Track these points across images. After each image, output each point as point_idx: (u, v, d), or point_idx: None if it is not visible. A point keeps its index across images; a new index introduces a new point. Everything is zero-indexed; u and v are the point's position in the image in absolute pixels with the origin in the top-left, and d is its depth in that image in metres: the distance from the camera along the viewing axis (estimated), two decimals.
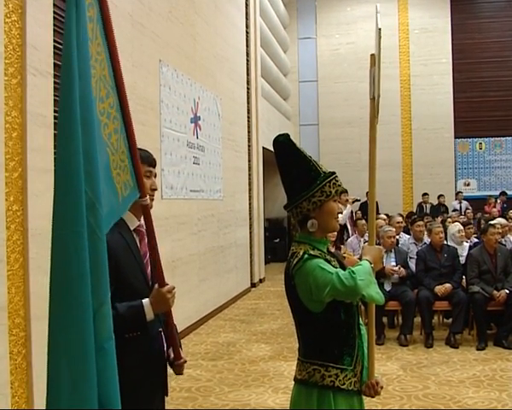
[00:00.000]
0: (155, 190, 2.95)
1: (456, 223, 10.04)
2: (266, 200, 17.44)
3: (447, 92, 20.16)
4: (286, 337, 8.69)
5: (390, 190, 18.99)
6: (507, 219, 11.34)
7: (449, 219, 11.88)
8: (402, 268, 8.36)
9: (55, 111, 5.53)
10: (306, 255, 2.68)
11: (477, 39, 20.35)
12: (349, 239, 10.78)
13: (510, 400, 5.92)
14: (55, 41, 5.56)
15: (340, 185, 2.83)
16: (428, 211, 16.90)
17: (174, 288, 2.80)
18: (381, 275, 8.27)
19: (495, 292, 7.88)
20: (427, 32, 20.24)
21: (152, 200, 2.90)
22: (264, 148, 14.91)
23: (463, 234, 9.36)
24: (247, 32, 13.97)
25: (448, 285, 8.13)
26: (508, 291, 7.87)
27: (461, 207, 17.57)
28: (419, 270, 8.46)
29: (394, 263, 8.47)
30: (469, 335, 8.33)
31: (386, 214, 12.97)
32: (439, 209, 17.17)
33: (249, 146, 13.88)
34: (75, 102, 2.29)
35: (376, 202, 12.82)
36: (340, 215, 10.44)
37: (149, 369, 2.77)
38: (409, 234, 10.22)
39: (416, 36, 20.33)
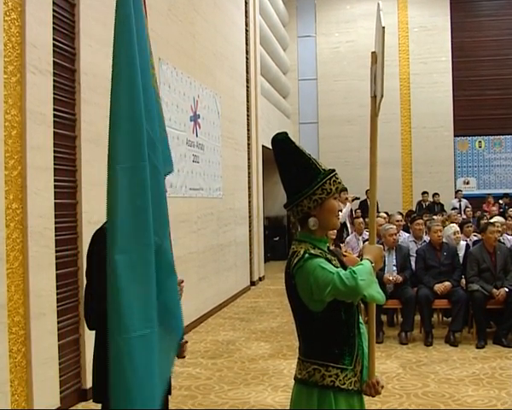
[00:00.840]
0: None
1: (452, 224, 10.03)
2: (266, 198, 17.44)
3: (447, 90, 20.15)
4: (285, 335, 8.70)
5: (389, 189, 18.97)
6: (505, 218, 11.32)
7: (446, 219, 11.90)
8: (398, 276, 8.32)
9: (54, 109, 5.54)
10: (307, 255, 2.66)
11: (476, 38, 20.33)
12: (348, 237, 10.77)
13: (510, 398, 5.92)
14: (54, 39, 5.57)
15: (340, 183, 2.82)
16: (427, 209, 16.91)
17: (183, 281, 2.84)
18: (379, 283, 8.26)
19: (494, 290, 7.88)
20: (427, 31, 20.22)
21: None
22: (263, 146, 14.92)
23: (459, 235, 9.34)
24: (246, 30, 13.97)
25: (447, 283, 8.13)
26: (507, 289, 7.87)
27: (460, 205, 17.57)
28: (419, 268, 8.46)
29: (395, 262, 8.46)
30: (469, 333, 8.33)
31: (386, 213, 12.98)
32: (434, 208, 17.17)
33: (249, 144, 13.88)
34: (133, 48, 2.45)
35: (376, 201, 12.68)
36: (339, 213, 10.38)
37: None
38: (408, 232, 10.22)
39: (415, 34, 20.32)
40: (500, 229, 9.19)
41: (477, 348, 7.74)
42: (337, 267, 2.71)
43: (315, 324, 2.74)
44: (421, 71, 20.18)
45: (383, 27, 2.83)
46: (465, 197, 18.29)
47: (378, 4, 2.97)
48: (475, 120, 19.74)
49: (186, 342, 2.98)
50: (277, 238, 19.24)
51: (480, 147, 20.08)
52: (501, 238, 9.19)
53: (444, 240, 8.68)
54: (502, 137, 19.79)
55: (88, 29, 6.14)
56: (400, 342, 8.09)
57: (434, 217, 11.46)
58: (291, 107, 20.83)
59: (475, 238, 9.78)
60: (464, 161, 20.29)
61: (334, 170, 2.83)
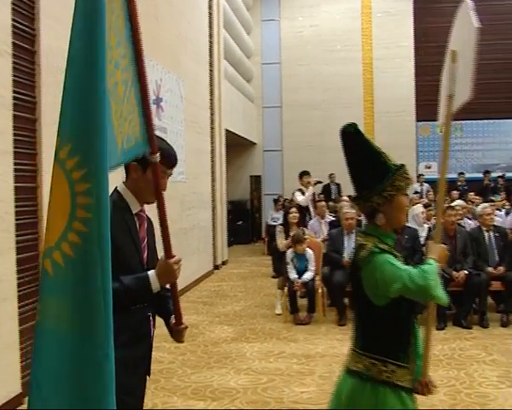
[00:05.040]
0: (164, 190, 2.86)
1: (419, 204, 10.17)
2: (229, 182, 17.42)
3: (409, 76, 20.32)
4: (248, 319, 8.74)
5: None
6: (466, 202, 11.49)
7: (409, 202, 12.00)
8: None
9: (13, 92, 5.44)
10: (376, 249, 2.67)
11: (439, 23, 20.43)
12: (310, 221, 10.82)
13: (468, 378, 6.04)
14: (13, 20, 5.47)
15: (409, 177, 2.80)
16: None
17: (181, 260, 2.81)
18: (339, 267, 8.35)
19: (454, 273, 8.01)
20: (390, 16, 20.32)
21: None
22: (226, 130, 14.87)
23: (425, 215, 9.50)
24: (210, 14, 13.88)
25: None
26: (467, 272, 8.01)
27: (422, 189, 17.76)
28: None
29: (354, 245, 8.52)
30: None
31: (350, 196, 13.06)
32: None
33: (212, 128, 13.83)
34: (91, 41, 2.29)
35: (338, 184, 12.92)
36: (302, 197, 10.36)
37: (135, 350, 2.80)
38: None
39: (378, 19, 20.40)
40: (461, 212, 9.32)
41: (437, 329, 7.83)
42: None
43: (376, 318, 2.73)
44: (384, 56, 20.28)
45: (476, 27, 2.78)
46: (427, 181, 18.48)
47: (466, 3, 2.93)
48: (437, 106, 19.86)
49: (186, 327, 2.99)
50: (241, 222, 19.27)
51: (442, 132, 20.24)
52: (461, 222, 9.33)
53: (407, 223, 8.78)
54: (463, 122, 20.00)
55: (49, 9, 6.02)
56: None
57: None
58: (255, 91, 20.80)
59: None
60: (426, 146, 20.51)
61: (403, 165, 2.80)
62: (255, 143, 20.76)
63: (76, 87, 2.26)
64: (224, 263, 14.78)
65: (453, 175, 19.13)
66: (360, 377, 2.74)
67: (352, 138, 2.81)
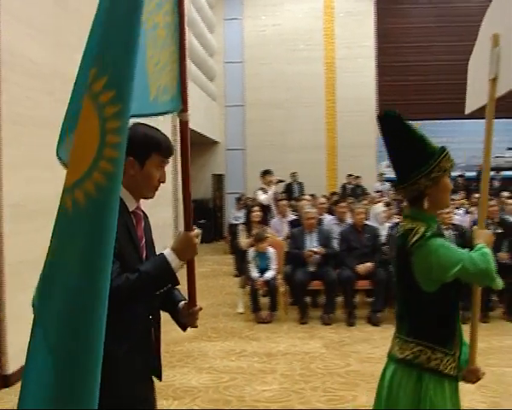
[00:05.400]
0: (163, 182, 2.78)
1: (380, 203, 10.29)
2: (192, 181, 17.29)
3: (370, 76, 20.49)
4: (210, 318, 8.72)
5: (314, 172, 19.24)
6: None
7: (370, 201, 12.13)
8: (321, 247, 8.51)
9: None
10: (428, 233, 2.67)
11: (401, 24, 20.77)
12: (273, 220, 10.85)
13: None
14: None
15: (452, 160, 2.84)
16: (350, 192, 17.22)
17: (200, 233, 2.66)
18: (300, 259, 8.42)
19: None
20: (352, 16, 20.44)
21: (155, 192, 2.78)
22: (190, 130, 14.79)
23: (386, 214, 9.62)
24: None
25: (369, 264, 8.33)
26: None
27: (383, 188, 17.92)
28: (342, 250, 8.62)
29: (316, 243, 8.61)
30: (391, 313, 8.54)
31: (312, 195, 13.15)
32: (356, 190, 17.51)
33: (174, 126, 13.76)
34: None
35: (301, 183, 12.99)
36: (264, 196, 10.35)
37: (139, 358, 2.62)
38: (333, 215, 10.38)
39: (341, 19, 20.51)
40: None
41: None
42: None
43: (425, 304, 2.72)
44: (346, 56, 20.40)
45: None
46: (389, 180, 18.68)
47: None
48: (398, 105, 20.06)
49: (200, 308, 2.78)
50: (203, 221, 19.21)
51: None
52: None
53: (367, 222, 8.89)
54: (422, 122, 20.25)
55: (8, 5, 5.92)
56: (323, 323, 8.23)
57: (353, 199, 11.70)
58: (217, 89, 20.74)
59: (397, 220, 10.02)
60: None
61: (445, 147, 2.83)
62: (218, 142, 20.72)
63: (111, 18, 2.02)
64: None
65: None
66: (406, 365, 2.75)
67: (394, 123, 2.80)
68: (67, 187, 2.01)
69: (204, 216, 19.35)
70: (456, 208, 10.81)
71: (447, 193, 2.83)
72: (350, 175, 18.56)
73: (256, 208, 9.69)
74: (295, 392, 5.69)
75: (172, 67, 2.50)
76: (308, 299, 8.87)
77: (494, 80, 2.99)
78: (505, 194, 11.25)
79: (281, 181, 13.82)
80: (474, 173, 19.55)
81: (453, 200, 11.62)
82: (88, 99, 1.99)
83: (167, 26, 2.42)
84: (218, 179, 20.84)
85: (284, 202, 10.98)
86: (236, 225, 11.88)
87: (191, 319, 2.80)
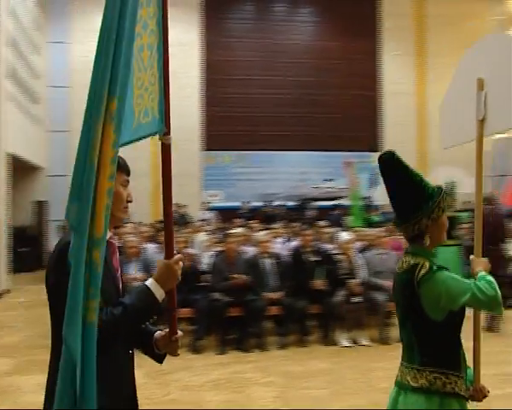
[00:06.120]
0: (131, 201, 2.68)
1: (203, 232, 10.41)
2: (13, 207, 16.58)
3: (196, 106, 20.81)
4: (30, 350, 8.35)
5: (139, 199, 18.98)
6: (249, 229, 11.86)
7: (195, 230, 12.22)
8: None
9: None
10: (435, 267, 2.82)
11: (227, 57, 21.33)
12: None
13: (247, 400, 6.29)
14: None
15: (448, 200, 2.99)
16: (176, 220, 17.25)
17: (182, 259, 2.58)
18: None
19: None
20: (181, 46, 20.65)
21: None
22: (12, 155, 14.13)
23: (209, 243, 9.74)
24: None
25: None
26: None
27: (207, 217, 18.16)
28: None
29: (140, 273, 8.53)
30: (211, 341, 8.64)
31: (140, 222, 13.12)
32: (181, 219, 17.61)
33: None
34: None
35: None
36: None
37: (119, 395, 2.62)
38: (157, 243, 10.33)
39: (170, 48, 20.60)
40: (241, 239, 9.67)
41: (218, 354, 8.05)
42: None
43: (434, 333, 2.84)
44: (174, 85, 20.49)
45: None
46: (215, 209, 18.98)
47: (502, 36, 3.25)
48: (222, 136, 20.68)
49: (181, 335, 2.79)
50: (24, 249, 18.31)
51: (227, 161, 21.04)
52: (243, 248, 9.68)
53: (190, 249, 8.93)
54: (247, 152, 20.91)
55: None
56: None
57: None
58: (41, 114, 20.02)
59: (220, 248, 10.17)
60: (211, 175, 21.05)
61: (441, 187, 2.97)
62: (41, 168, 19.95)
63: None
64: (8, 291, 14.04)
65: (237, 203, 19.86)
66: (425, 393, 2.84)
67: (394, 165, 2.94)
68: (96, 241, 2.09)
69: (25, 244, 18.50)
70: (275, 238, 11.12)
71: (444, 230, 3.02)
72: (175, 204, 18.63)
73: None
74: None
75: (153, 89, 2.48)
76: None
77: (482, 121, 3.24)
78: (321, 223, 11.77)
79: None
80: (294, 203, 20.39)
81: (273, 229, 12.01)
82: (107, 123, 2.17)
83: (150, 48, 2.42)
84: (40, 206, 20.03)
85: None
86: None
87: (172, 349, 2.80)
